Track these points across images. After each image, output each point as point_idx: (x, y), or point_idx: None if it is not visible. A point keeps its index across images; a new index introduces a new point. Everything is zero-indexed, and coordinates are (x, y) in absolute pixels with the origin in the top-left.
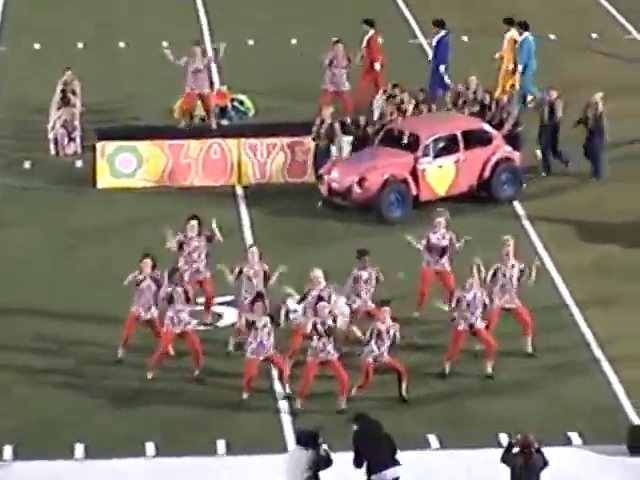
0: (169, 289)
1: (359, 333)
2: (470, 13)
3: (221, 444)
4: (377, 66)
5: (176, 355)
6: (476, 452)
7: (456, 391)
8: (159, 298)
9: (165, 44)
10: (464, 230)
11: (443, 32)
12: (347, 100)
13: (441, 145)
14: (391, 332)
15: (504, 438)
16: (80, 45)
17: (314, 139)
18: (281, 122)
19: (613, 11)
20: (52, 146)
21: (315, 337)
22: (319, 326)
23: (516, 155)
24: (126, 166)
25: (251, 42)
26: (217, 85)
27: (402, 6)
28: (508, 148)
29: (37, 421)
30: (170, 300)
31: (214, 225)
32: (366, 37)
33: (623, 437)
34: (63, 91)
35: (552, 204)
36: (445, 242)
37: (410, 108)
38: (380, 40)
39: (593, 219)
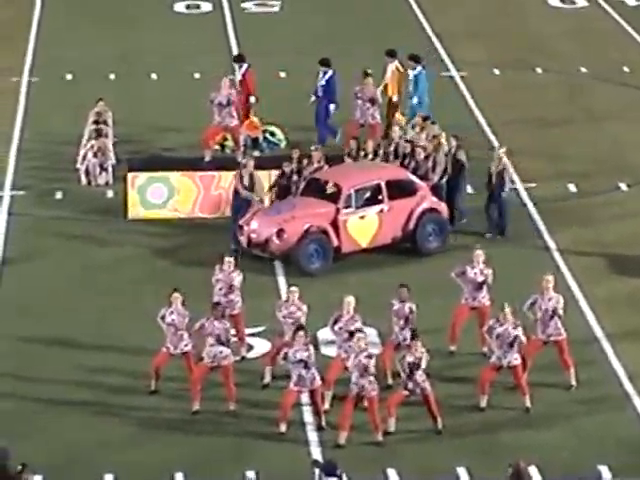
0: (210, 323)
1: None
2: (498, 47)
3: (251, 475)
4: (252, 99)
5: (205, 386)
6: None
7: (487, 423)
8: (194, 329)
9: (197, 75)
10: (494, 262)
11: (330, 71)
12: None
13: (364, 195)
14: (422, 363)
15: (534, 471)
16: (112, 76)
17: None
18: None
19: None
20: (83, 176)
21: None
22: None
23: (442, 206)
24: (157, 197)
25: (283, 74)
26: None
27: (433, 39)
28: (434, 199)
29: (66, 452)
30: (209, 334)
31: None
32: (241, 71)
33: None
34: (96, 122)
35: (583, 236)
36: (482, 277)
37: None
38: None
39: (625, 252)
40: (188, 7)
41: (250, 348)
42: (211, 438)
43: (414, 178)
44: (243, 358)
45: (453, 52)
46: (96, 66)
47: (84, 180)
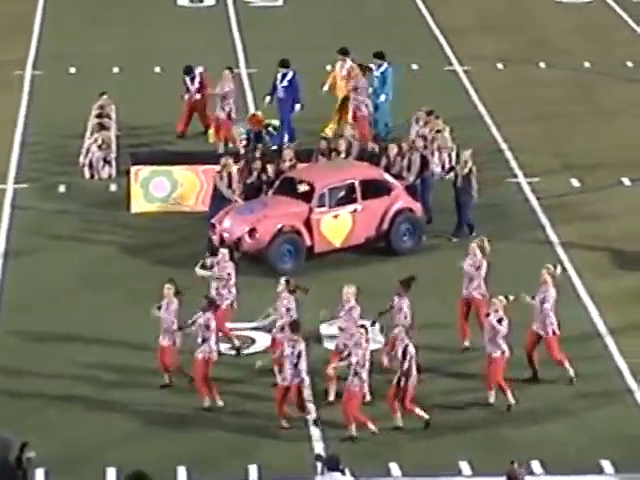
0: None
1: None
2: (502, 41)
3: (253, 469)
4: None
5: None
6: None
7: (489, 418)
8: (187, 324)
9: (201, 69)
10: (497, 256)
11: (291, 72)
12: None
13: (337, 195)
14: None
15: (536, 466)
16: (115, 70)
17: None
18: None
19: None
20: (86, 170)
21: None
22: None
23: (417, 206)
24: (160, 190)
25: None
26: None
27: (437, 33)
28: (409, 198)
29: (69, 446)
30: (207, 328)
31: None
32: (198, 71)
33: None
34: (99, 115)
35: (586, 231)
36: (473, 269)
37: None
38: (416, 67)
39: (628, 247)
40: (192, 1)
41: (252, 342)
42: (214, 433)
43: (388, 177)
44: (238, 353)
45: (456, 47)
46: (100, 60)
47: (87, 173)
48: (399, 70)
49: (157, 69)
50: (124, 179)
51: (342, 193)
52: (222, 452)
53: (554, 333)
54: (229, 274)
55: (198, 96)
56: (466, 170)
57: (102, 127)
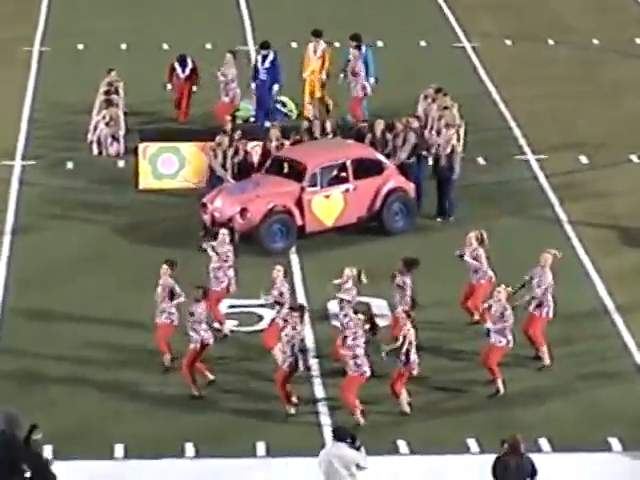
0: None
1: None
2: (510, 18)
3: (261, 446)
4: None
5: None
6: None
7: (498, 397)
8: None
9: (209, 46)
10: (503, 234)
11: (272, 53)
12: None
13: (329, 174)
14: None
15: (545, 443)
16: (123, 46)
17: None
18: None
19: None
20: (95, 146)
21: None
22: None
23: (410, 186)
24: (168, 167)
25: (294, 44)
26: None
27: (445, 10)
28: (401, 178)
29: (76, 423)
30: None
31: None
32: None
33: None
34: (107, 92)
35: (594, 208)
36: (469, 257)
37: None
38: (424, 44)
39: (636, 224)
40: None
41: (259, 319)
42: (222, 411)
43: (381, 157)
44: (225, 336)
45: (464, 23)
46: (108, 36)
47: (95, 150)
48: (374, 51)
49: (165, 46)
50: (132, 156)
51: (334, 173)
52: (230, 429)
53: (547, 314)
54: (227, 256)
55: (186, 84)
56: (449, 150)
57: (110, 104)
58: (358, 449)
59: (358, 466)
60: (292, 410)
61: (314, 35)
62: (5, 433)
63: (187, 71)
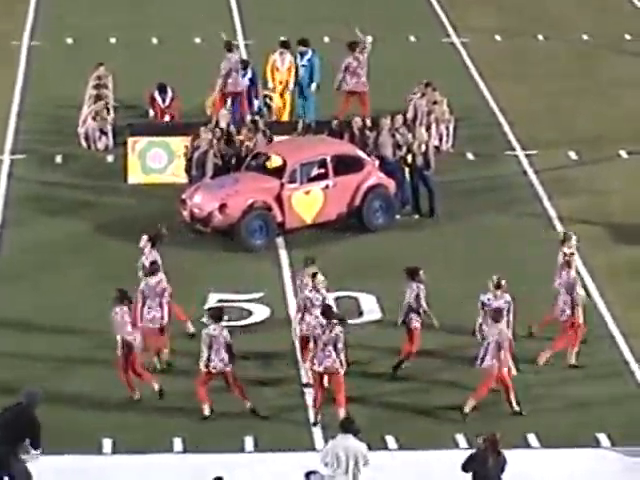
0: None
1: None
2: (501, 13)
3: (249, 441)
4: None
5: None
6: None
7: (489, 394)
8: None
9: (198, 40)
10: (492, 231)
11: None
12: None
13: (309, 170)
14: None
15: (533, 439)
16: (113, 40)
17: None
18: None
19: None
20: (83, 141)
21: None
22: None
23: (390, 182)
24: (157, 162)
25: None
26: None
27: (435, 5)
28: (381, 175)
29: (65, 415)
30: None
31: None
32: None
33: None
34: (96, 86)
35: (585, 205)
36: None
37: (445, 107)
38: (413, 39)
39: (626, 220)
40: None
41: (249, 314)
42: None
43: (361, 154)
44: (193, 335)
45: (454, 18)
46: (97, 30)
47: (84, 144)
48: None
49: (154, 40)
50: (121, 150)
51: (314, 169)
52: (219, 425)
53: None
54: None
55: (167, 116)
56: (423, 148)
57: (99, 98)
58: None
59: (364, 460)
60: (207, 412)
61: (282, 47)
62: (21, 404)
63: (167, 101)
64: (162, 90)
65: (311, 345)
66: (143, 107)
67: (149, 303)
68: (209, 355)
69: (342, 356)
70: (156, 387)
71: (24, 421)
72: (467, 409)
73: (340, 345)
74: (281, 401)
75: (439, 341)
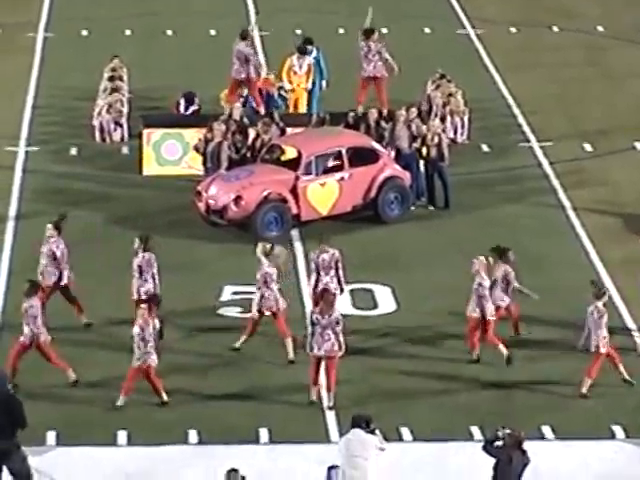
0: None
1: None
2: (515, 4)
3: (264, 432)
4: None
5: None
6: None
7: (502, 383)
8: None
9: (213, 32)
10: (507, 222)
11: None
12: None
13: (324, 162)
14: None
15: (547, 430)
16: (127, 32)
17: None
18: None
19: None
20: (97, 133)
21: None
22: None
23: (405, 174)
24: (172, 153)
25: (298, 31)
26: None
27: None
28: (396, 167)
29: (80, 409)
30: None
31: None
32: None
33: None
34: (111, 78)
35: (599, 196)
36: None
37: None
38: (428, 30)
39: None
40: None
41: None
42: (226, 399)
43: (376, 145)
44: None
45: (469, 10)
46: (112, 22)
47: (99, 136)
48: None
49: (169, 32)
50: (136, 142)
51: (329, 161)
52: (234, 417)
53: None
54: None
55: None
56: (436, 140)
57: (114, 90)
58: (373, 432)
59: (380, 449)
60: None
61: (300, 52)
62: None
63: (190, 110)
64: (189, 100)
65: (309, 330)
66: (157, 99)
67: None
68: None
69: (341, 338)
70: (72, 377)
71: (5, 402)
72: (584, 389)
73: (339, 328)
74: (295, 395)
75: (454, 329)
